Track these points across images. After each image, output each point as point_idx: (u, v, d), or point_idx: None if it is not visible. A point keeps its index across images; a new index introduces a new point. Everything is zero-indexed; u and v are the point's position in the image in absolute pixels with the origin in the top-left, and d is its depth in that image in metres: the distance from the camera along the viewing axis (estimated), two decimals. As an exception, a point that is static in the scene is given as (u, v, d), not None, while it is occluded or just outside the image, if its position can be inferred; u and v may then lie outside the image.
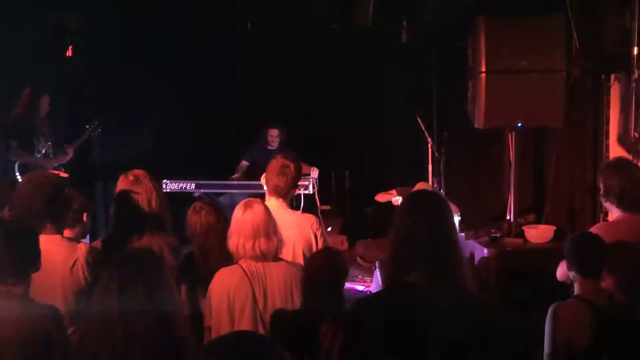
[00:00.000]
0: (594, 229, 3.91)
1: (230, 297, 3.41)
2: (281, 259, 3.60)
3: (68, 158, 6.79)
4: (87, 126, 7.12)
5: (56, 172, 6.18)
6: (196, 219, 4.07)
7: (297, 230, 4.07)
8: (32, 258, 2.90)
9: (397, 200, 6.70)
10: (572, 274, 3.36)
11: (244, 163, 7.60)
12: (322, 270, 3.24)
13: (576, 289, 3.35)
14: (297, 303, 3.47)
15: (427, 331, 2.24)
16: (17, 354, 2.65)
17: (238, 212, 3.60)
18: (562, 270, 3.53)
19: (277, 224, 3.61)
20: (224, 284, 3.47)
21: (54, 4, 6.73)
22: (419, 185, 6.66)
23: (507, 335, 2.31)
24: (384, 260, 2.52)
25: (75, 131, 7.19)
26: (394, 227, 2.41)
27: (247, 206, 3.60)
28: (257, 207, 3.59)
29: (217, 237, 3.99)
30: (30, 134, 6.58)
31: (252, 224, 3.50)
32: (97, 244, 3.90)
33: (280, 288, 3.45)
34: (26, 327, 2.69)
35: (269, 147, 7.45)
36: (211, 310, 3.47)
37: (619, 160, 4.31)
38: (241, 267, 3.45)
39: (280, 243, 3.59)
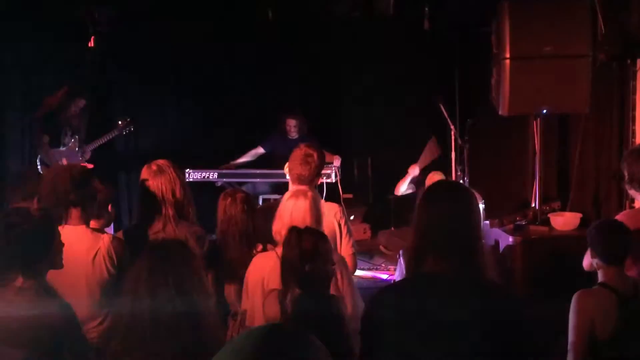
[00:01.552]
0: (619, 217, 3.87)
1: (265, 282, 3.45)
2: None
3: (87, 157, 6.85)
4: (120, 122, 7.14)
5: (82, 164, 6.24)
6: (222, 205, 4.11)
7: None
8: (44, 255, 2.89)
9: (414, 168, 6.69)
10: (595, 261, 3.33)
11: (260, 150, 7.54)
12: (287, 249, 3.23)
13: (600, 277, 3.32)
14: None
15: (444, 321, 2.23)
16: (25, 350, 2.66)
17: (286, 201, 3.68)
18: (588, 260, 3.49)
19: (322, 217, 3.65)
20: (259, 268, 3.53)
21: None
22: (433, 175, 6.64)
23: (527, 326, 2.29)
24: (405, 249, 2.51)
25: (97, 124, 7.25)
26: (416, 217, 2.42)
27: (295, 195, 3.65)
28: (309, 197, 3.66)
29: (238, 227, 4.02)
30: (59, 128, 6.67)
31: (303, 214, 3.57)
32: (121, 234, 3.93)
33: None
34: (33, 324, 2.70)
35: (290, 137, 7.42)
36: (248, 294, 3.52)
37: None
38: (276, 253, 3.48)
39: (329, 236, 3.63)
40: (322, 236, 3.30)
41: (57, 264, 2.98)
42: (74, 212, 3.49)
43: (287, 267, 3.22)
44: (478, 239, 2.37)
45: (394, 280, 5.91)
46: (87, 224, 3.57)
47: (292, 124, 7.44)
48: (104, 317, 3.47)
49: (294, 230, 3.27)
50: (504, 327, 2.22)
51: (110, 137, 7.14)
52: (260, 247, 3.95)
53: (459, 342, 2.21)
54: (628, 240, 3.33)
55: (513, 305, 2.30)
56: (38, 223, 2.86)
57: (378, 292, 2.46)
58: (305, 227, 3.36)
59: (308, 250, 3.17)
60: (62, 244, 3.00)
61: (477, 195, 6.18)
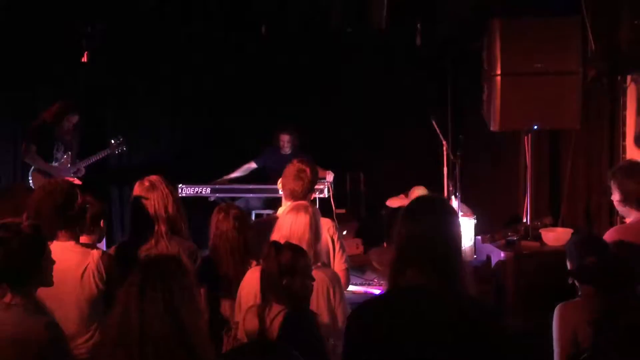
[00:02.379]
0: (611, 232, 3.90)
1: (257, 296, 3.45)
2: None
3: (80, 174, 6.85)
4: (112, 141, 7.15)
5: (70, 179, 6.22)
6: (214, 220, 4.12)
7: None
8: (33, 271, 2.86)
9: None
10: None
11: (252, 165, 7.54)
12: (266, 263, 3.24)
13: (580, 289, 3.36)
14: (322, 307, 3.52)
15: (421, 334, 2.26)
16: None
17: (286, 215, 3.70)
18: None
19: (321, 233, 3.66)
20: (252, 283, 3.52)
21: (71, 10, 6.77)
22: (414, 190, 6.69)
23: (505, 339, 2.31)
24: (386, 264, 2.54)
25: (89, 138, 7.25)
26: (395, 231, 2.44)
27: (296, 209, 3.66)
28: (309, 212, 3.68)
29: (229, 243, 4.03)
30: (51, 142, 6.67)
31: (303, 228, 3.60)
32: (113, 250, 3.92)
33: None
34: (19, 340, 2.68)
35: (283, 152, 7.43)
36: (240, 308, 3.53)
37: (633, 163, 4.29)
38: None
39: (322, 252, 3.64)
40: (301, 251, 3.29)
41: (47, 281, 2.95)
42: (62, 231, 3.50)
43: (266, 281, 3.23)
44: (456, 253, 2.39)
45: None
46: (77, 240, 3.57)
47: (285, 139, 7.45)
48: (93, 333, 3.46)
49: (272, 245, 3.27)
50: (482, 339, 2.23)
51: (102, 156, 7.14)
52: (254, 262, 3.95)
53: (437, 354, 2.23)
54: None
55: (490, 317, 2.31)
56: (28, 239, 2.84)
57: (357, 307, 2.47)
58: (285, 242, 3.38)
59: (286, 264, 3.17)
60: (53, 262, 2.97)
61: (468, 211, 6.24)
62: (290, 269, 3.17)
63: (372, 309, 2.43)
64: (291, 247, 3.29)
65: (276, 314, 3.11)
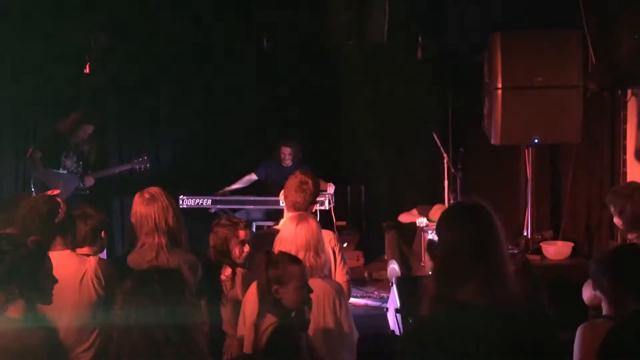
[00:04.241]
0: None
1: None
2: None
3: (90, 184, 6.84)
4: (135, 159, 7.11)
5: (50, 192, 6.15)
6: (213, 231, 4.13)
7: None
8: (35, 284, 2.84)
9: (422, 222, 6.69)
10: (598, 293, 3.32)
11: (253, 177, 7.55)
12: (258, 273, 3.21)
13: (604, 309, 3.31)
14: (329, 320, 3.52)
15: (481, 350, 2.24)
16: None
17: (290, 224, 3.70)
18: (588, 292, 3.50)
19: (324, 244, 3.66)
20: (256, 296, 3.49)
21: (73, 22, 6.80)
22: (436, 208, 6.69)
23: (557, 347, 2.31)
24: (428, 276, 2.49)
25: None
26: (438, 242, 2.41)
27: (302, 219, 3.67)
28: (312, 222, 3.70)
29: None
30: (61, 150, 6.68)
31: (306, 237, 3.60)
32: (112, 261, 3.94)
33: (313, 304, 3.48)
34: (18, 354, 2.67)
35: (284, 164, 7.45)
36: (245, 321, 3.50)
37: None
38: None
39: (327, 262, 3.64)
40: (293, 260, 3.24)
41: (46, 299, 2.92)
42: (57, 240, 3.54)
43: (259, 292, 3.19)
44: (500, 262, 2.35)
45: (386, 308, 5.90)
46: (72, 249, 3.58)
47: (287, 151, 7.47)
48: (93, 341, 3.47)
49: (264, 254, 3.23)
50: (535, 352, 2.23)
51: (122, 170, 7.13)
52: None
53: None
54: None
55: (547, 331, 2.30)
56: (30, 252, 2.84)
57: (415, 327, 2.45)
58: (277, 251, 3.36)
59: (276, 273, 3.12)
60: (55, 280, 2.94)
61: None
62: (280, 277, 3.12)
63: (431, 325, 2.36)
64: (282, 256, 3.25)
65: (267, 325, 3.07)
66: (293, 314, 3.14)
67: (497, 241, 2.36)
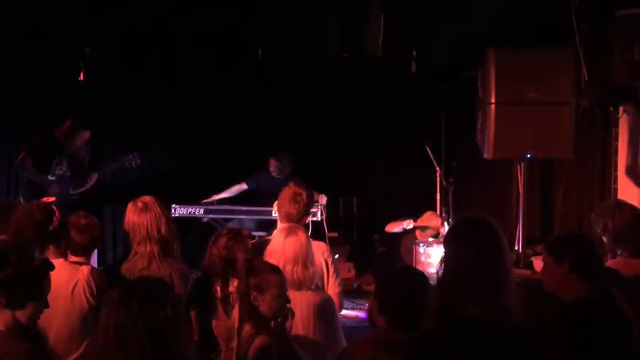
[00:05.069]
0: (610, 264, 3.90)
1: None
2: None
3: (91, 184, 6.81)
4: (125, 157, 7.07)
5: (45, 199, 6.13)
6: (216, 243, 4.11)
7: None
8: (33, 297, 2.77)
9: (409, 224, 6.70)
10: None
11: (243, 186, 7.54)
12: (239, 282, 3.25)
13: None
14: (317, 331, 3.53)
15: None
16: None
17: (280, 236, 3.73)
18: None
19: (313, 256, 3.67)
20: None
21: (68, 31, 6.81)
22: (427, 215, 6.71)
23: None
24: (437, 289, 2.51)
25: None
26: (444, 257, 2.46)
27: (290, 231, 3.68)
28: (301, 235, 3.71)
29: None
30: (51, 156, 6.66)
31: (295, 250, 3.61)
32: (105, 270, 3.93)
33: (303, 316, 3.50)
34: None
35: (275, 175, 7.45)
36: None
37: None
38: None
39: (316, 274, 3.65)
40: (273, 269, 3.25)
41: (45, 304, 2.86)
42: (51, 247, 3.54)
43: (239, 299, 3.21)
44: (505, 277, 2.39)
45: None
46: (65, 257, 3.58)
47: (273, 164, 7.47)
48: (82, 352, 3.45)
49: (245, 263, 3.26)
50: None
51: (113, 167, 7.12)
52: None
53: None
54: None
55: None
56: (32, 265, 2.80)
57: (423, 339, 2.42)
58: (257, 259, 3.38)
59: (255, 281, 3.14)
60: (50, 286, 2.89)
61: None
62: (259, 285, 3.13)
63: (442, 342, 2.39)
64: (262, 264, 3.28)
65: (245, 333, 3.08)
66: (272, 323, 3.16)
67: (502, 256, 2.41)
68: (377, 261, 7.47)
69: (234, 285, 3.99)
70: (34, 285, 2.78)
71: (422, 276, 2.59)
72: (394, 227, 7.01)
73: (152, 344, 2.34)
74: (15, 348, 2.71)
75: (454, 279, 2.38)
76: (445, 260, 2.44)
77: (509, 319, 2.34)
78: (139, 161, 7.08)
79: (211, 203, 7.30)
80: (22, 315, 2.76)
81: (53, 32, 6.74)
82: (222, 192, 7.45)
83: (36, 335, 2.87)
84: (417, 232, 6.87)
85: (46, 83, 7.20)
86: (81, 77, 7.18)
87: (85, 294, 3.46)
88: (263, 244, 4.20)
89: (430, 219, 6.73)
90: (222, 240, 3.99)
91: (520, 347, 2.31)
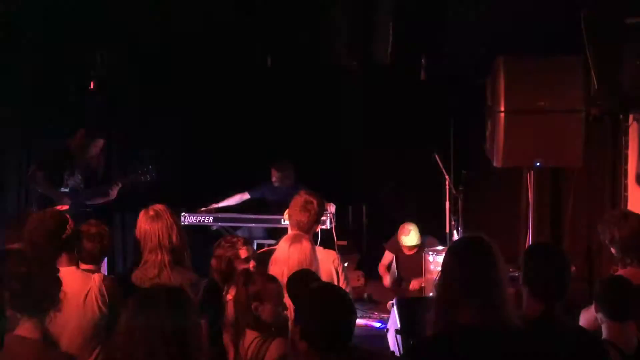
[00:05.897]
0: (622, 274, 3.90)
1: None
2: None
3: (112, 197, 6.80)
4: (140, 171, 7.06)
5: (59, 207, 6.14)
6: (215, 256, 4.13)
7: (319, 265, 4.11)
8: (48, 304, 2.79)
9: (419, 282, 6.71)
10: (600, 316, 3.35)
11: (246, 196, 7.54)
12: (237, 290, 3.34)
13: (604, 333, 3.33)
14: None
15: None
16: None
17: (284, 245, 3.79)
18: (586, 316, 3.50)
19: (318, 264, 3.70)
20: None
21: (77, 39, 6.85)
22: (405, 225, 6.81)
23: None
24: (429, 298, 2.62)
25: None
26: (442, 270, 2.58)
27: (295, 240, 3.70)
28: (306, 243, 3.75)
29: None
30: (63, 168, 6.67)
31: (298, 258, 3.66)
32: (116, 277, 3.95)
33: None
34: None
35: (277, 185, 7.46)
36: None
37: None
38: None
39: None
40: (271, 278, 3.34)
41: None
42: (64, 256, 3.54)
43: (237, 308, 3.28)
44: (500, 287, 2.48)
45: (386, 328, 5.89)
46: (77, 265, 3.59)
47: (275, 174, 7.47)
48: (95, 358, 3.46)
49: (242, 271, 3.36)
50: None
51: (126, 181, 7.12)
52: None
53: None
54: (632, 297, 3.36)
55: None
56: (47, 272, 2.83)
57: (420, 345, 2.56)
58: (255, 269, 3.43)
59: (255, 290, 3.23)
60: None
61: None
62: (259, 295, 3.23)
63: (434, 350, 2.46)
64: (260, 274, 3.37)
65: (250, 341, 3.15)
66: (273, 328, 3.25)
67: (496, 269, 2.49)
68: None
69: (231, 293, 4.02)
70: (56, 293, 2.81)
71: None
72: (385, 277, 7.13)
73: (177, 347, 2.37)
74: (57, 357, 2.74)
75: (448, 290, 2.48)
76: (442, 274, 2.56)
77: (504, 326, 2.41)
78: (154, 174, 7.08)
79: (210, 212, 7.30)
80: (44, 322, 2.79)
81: (61, 40, 6.77)
82: (222, 201, 7.45)
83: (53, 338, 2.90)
84: (405, 248, 6.99)
85: (56, 92, 7.22)
86: (91, 86, 7.20)
87: (97, 302, 3.47)
88: (268, 254, 4.21)
89: (404, 227, 6.87)
90: (217, 254, 4.06)
91: (515, 353, 2.39)
